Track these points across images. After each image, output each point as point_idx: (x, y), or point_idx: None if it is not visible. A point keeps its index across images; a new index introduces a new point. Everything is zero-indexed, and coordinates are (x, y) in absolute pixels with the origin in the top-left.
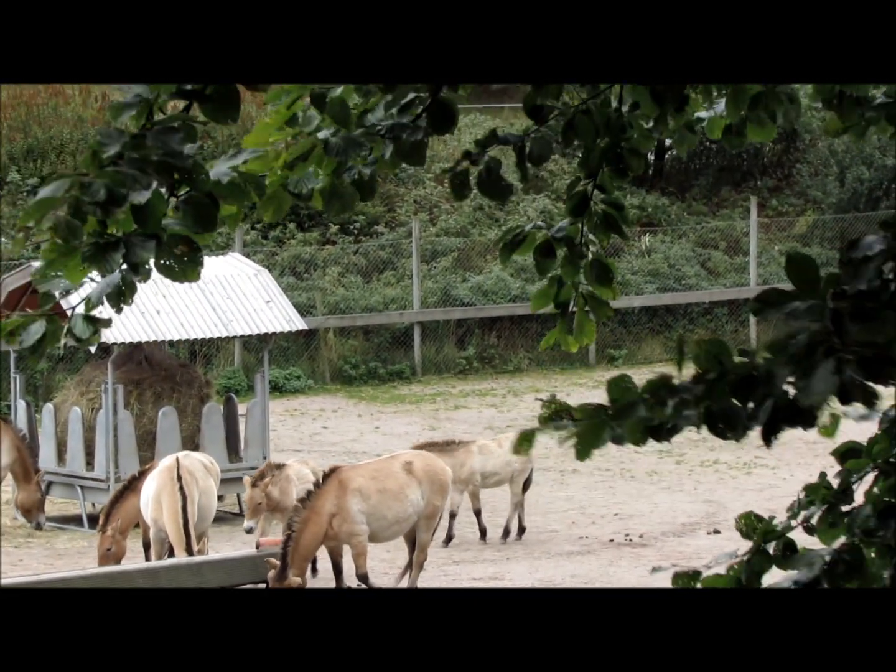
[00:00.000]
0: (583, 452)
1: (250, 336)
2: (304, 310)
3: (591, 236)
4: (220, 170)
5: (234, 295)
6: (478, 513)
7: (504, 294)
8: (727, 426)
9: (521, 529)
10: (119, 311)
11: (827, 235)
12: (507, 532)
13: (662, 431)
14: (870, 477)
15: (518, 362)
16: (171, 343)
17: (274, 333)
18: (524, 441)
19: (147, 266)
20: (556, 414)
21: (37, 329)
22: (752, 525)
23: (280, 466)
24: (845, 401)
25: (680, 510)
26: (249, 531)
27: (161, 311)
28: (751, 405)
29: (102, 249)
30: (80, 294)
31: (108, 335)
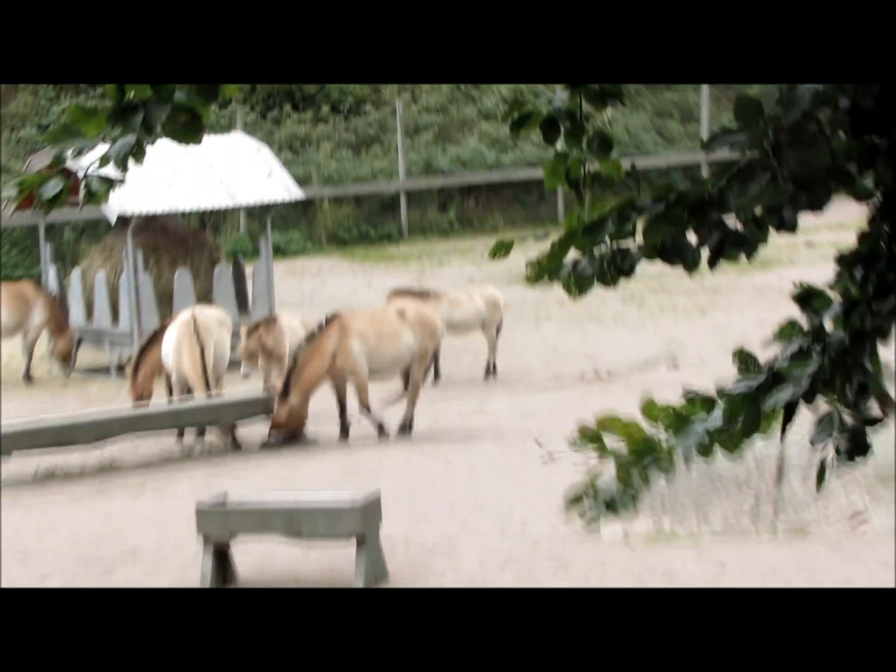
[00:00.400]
0: (534, 279)
1: (254, 206)
2: (301, 181)
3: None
4: None
5: (238, 169)
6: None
7: (481, 163)
8: (678, 256)
9: (494, 369)
10: (125, 170)
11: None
12: (487, 370)
13: (624, 266)
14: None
15: (494, 223)
16: (184, 213)
17: (275, 203)
18: (536, 277)
19: (157, 130)
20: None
21: (54, 184)
22: (745, 359)
23: (272, 320)
24: (779, 218)
25: (642, 349)
26: (246, 376)
27: (174, 185)
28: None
29: (125, 110)
30: (89, 158)
31: (126, 207)
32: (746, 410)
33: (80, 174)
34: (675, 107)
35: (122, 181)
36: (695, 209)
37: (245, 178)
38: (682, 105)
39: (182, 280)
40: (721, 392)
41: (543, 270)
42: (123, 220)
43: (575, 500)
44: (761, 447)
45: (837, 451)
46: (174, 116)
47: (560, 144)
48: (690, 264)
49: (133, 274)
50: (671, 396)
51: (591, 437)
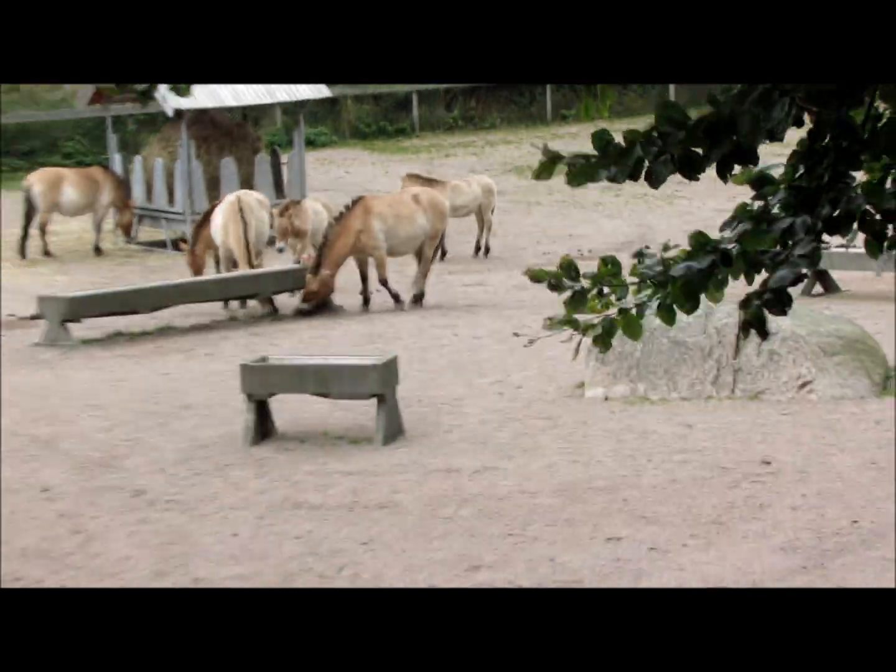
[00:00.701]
0: (576, 181)
1: (288, 102)
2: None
3: None
4: None
5: None
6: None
7: None
8: (692, 169)
9: (487, 249)
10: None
11: None
12: (477, 249)
13: (648, 175)
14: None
15: (493, 121)
16: (230, 109)
17: (306, 100)
18: (544, 170)
19: None
20: (555, 158)
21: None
22: (699, 240)
23: (298, 202)
24: (799, 124)
25: (619, 231)
26: (281, 250)
27: (221, 85)
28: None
29: None
30: None
31: (181, 102)
32: (689, 286)
33: None
34: None
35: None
36: (710, 130)
37: None
38: None
39: (228, 167)
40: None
41: (576, 177)
42: (179, 114)
43: (552, 324)
44: (722, 318)
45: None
46: None
47: None
48: (699, 172)
49: (186, 161)
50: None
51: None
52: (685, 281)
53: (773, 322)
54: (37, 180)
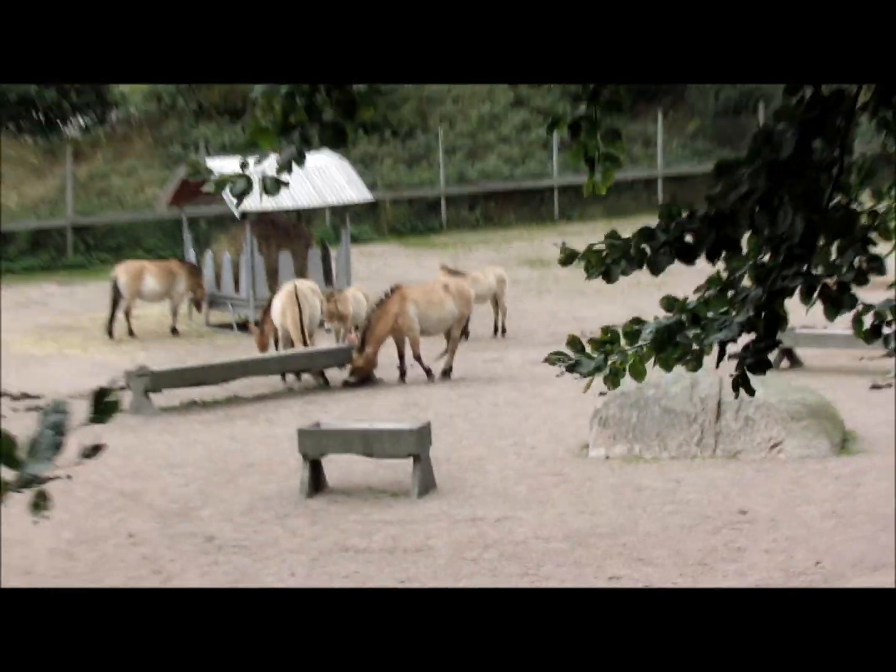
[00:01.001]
0: (592, 274)
1: (337, 205)
2: (370, 187)
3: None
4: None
5: (326, 178)
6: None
7: (499, 175)
8: (689, 256)
9: (504, 330)
10: (290, 172)
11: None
12: (496, 330)
13: (651, 265)
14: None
15: (509, 220)
16: (287, 211)
17: (352, 203)
18: (567, 261)
19: (314, 142)
20: (572, 254)
21: (241, 184)
22: (671, 302)
23: (341, 291)
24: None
25: (616, 314)
26: (329, 331)
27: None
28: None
29: (289, 128)
30: (255, 168)
31: (247, 205)
32: (661, 341)
33: (257, 177)
34: (639, 135)
35: (287, 183)
36: (714, 223)
37: (330, 185)
38: (643, 133)
39: (285, 260)
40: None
41: (594, 267)
42: (244, 216)
43: (554, 359)
44: (705, 389)
45: (745, 368)
46: (325, 131)
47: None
48: (694, 261)
49: (250, 255)
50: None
51: (559, 356)
52: (656, 335)
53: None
54: (122, 272)
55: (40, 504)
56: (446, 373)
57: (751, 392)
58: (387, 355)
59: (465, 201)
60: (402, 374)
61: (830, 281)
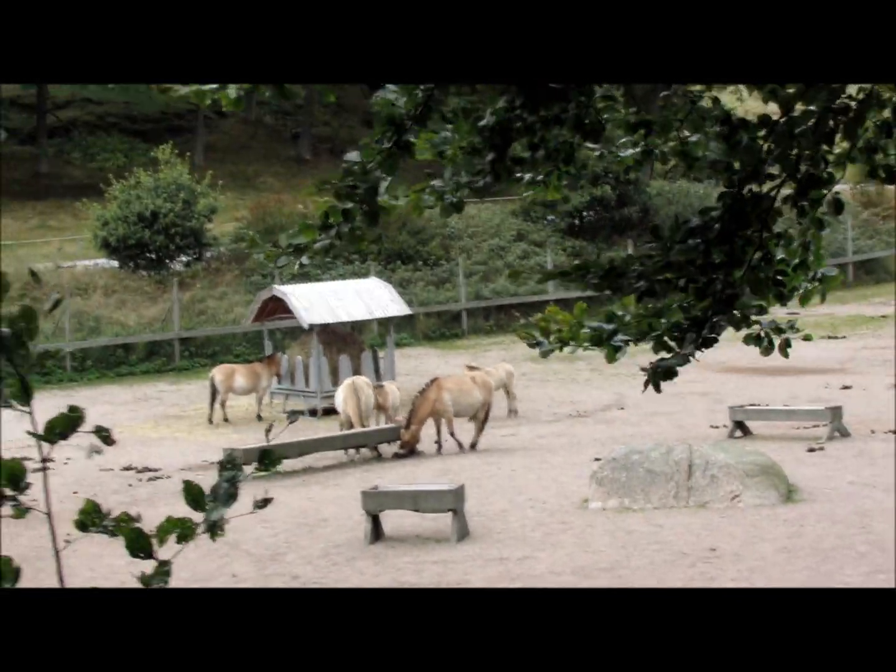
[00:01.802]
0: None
1: (382, 318)
2: (408, 303)
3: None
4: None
5: (374, 297)
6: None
7: (507, 292)
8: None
9: (515, 412)
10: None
11: None
12: (509, 412)
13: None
14: None
15: (515, 327)
16: (343, 322)
17: (394, 316)
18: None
19: (343, 238)
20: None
21: (284, 259)
22: (610, 316)
23: (381, 385)
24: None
25: (603, 398)
26: (369, 417)
27: (338, 307)
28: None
29: (327, 227)
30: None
31: (314, 318)
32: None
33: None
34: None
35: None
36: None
37: (377, 302)
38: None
39: (344, 361)
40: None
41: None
42: (311, 327)
43: (526, 335)
44: (679, 454)
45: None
46: (353, 231)
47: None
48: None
49: (317, 358)
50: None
51: (528, 333)
52: (593, 334)
53: (713, 455)
54: (217, 372)
55: (216, 532)
56: (474, 445)
57: (658, 390)
58: (426, 433)
59: (481, 313)
60: (439, 447)
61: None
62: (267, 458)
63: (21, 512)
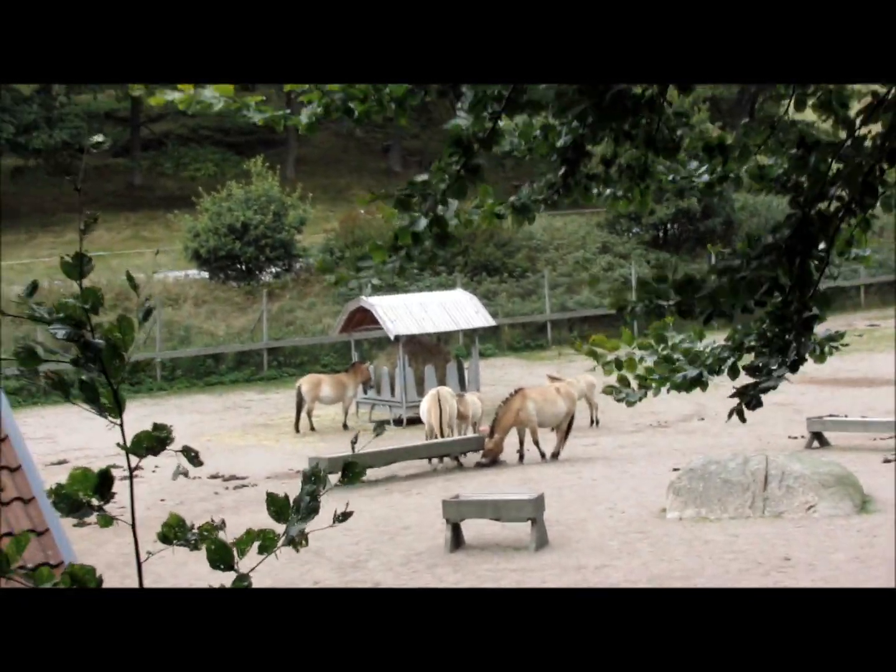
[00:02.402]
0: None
1: (468, 329)
2: (493, 315)
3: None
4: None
5: (459, 308)
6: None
7: (591, 304)
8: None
9: (597, 422)
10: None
11: None
12: (591, 422)
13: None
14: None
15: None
16: (429, 333)
17: (480, 327)
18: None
19: (413, 259)
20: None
21: (354, 282)
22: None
23: (462, 395)
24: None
25: (684, 408)
26: (453, 427)
27: (424, 319)
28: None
29: (396, 248)
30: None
31: (400, 329)
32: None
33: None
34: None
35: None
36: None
37: (463, 314)
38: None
39: (429, 371)
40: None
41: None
42: (397, 338)
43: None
44: (755, 465)
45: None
46: (423, 252)
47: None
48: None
49: (402, 368)
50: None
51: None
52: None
53: (789, 466)
54: (304, 382)
55: (298, 544)
56: (556, 455)
57: (743, 419)
58: (509, 443)
59: (565, 324)
60: (521, 456)
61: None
62: (350, 471)
63: (106, 521)
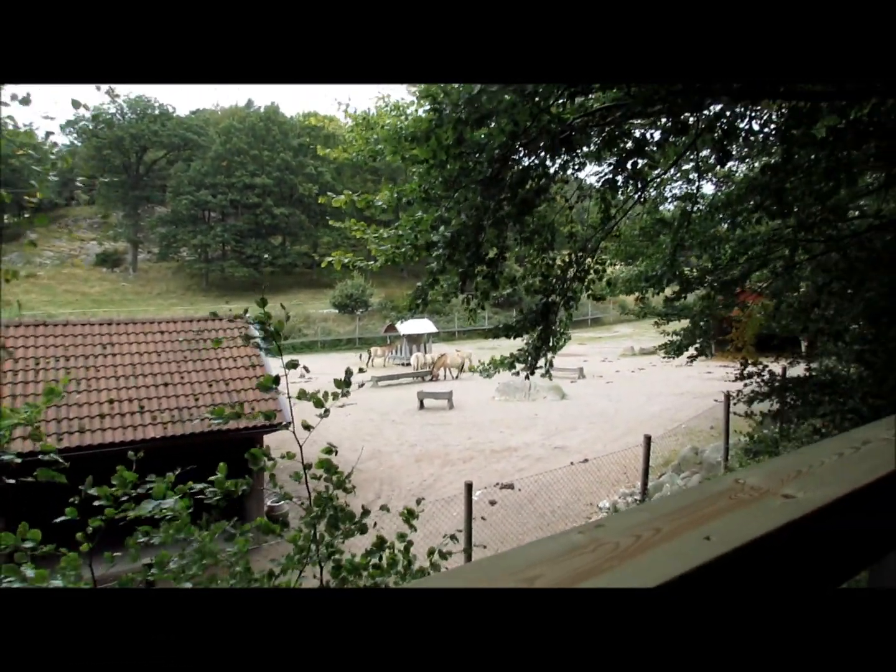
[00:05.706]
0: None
1: (430, 332)
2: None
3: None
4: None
5: (425, 325)
6: None
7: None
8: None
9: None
10: (424, 303)
11: None
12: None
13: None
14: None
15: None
16: (416, 333)
17: (433, 332)
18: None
19: (432, 293)
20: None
21: (397, 315)
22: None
23: (443, 355)
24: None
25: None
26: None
27: (413, 327)
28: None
29: (422, 290)
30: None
31: (405, 331)
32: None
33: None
34: None
35: (419, 310)
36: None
37: (426, 326)
38: None
39: (414, 348)
40: None
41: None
42: (397, 336)
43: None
44: None
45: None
46: (433, 285)
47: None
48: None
49: (405, 346)
50: None
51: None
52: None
53: None
54: (374, 351)
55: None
56: (455, 378)
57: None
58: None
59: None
60: (444, 377)
61: None
62: (347, 378)
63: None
